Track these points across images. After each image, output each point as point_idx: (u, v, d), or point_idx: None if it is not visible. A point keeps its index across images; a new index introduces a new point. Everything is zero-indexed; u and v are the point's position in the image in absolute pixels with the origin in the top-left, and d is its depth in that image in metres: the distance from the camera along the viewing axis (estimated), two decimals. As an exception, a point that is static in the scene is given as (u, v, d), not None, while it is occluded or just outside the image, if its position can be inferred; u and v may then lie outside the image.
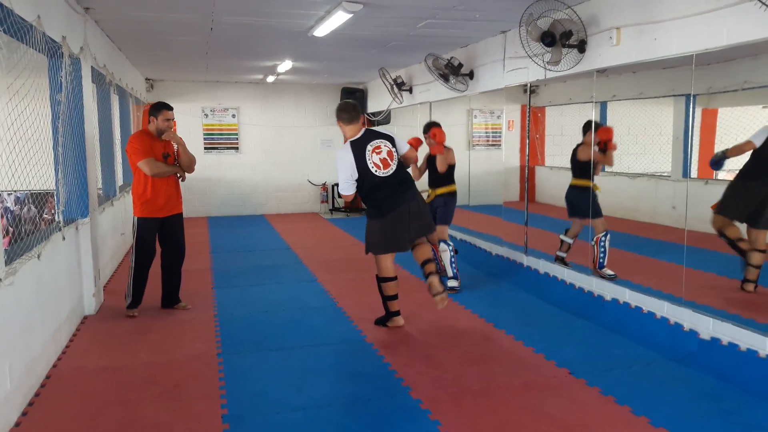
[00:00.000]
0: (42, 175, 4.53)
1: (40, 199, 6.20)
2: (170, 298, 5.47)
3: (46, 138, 4.58)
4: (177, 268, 5.46)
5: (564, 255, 6.21)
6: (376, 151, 4.62)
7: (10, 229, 7.26)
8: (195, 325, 5.04)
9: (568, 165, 6.41)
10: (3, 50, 3.71)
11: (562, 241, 6.28)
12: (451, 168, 6.11)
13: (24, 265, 3.64)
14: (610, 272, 5.71)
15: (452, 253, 5.97)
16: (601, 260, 5.78)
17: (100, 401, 3.61)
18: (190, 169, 5.36)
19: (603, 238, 5.81)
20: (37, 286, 3.95)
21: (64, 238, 4.68)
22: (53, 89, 4.81)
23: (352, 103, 4.86)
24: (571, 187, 6.24)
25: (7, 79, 3.78)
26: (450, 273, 5.98)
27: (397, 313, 4.96)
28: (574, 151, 6.17)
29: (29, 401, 3.57)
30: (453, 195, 6.16)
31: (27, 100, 3.94)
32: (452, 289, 5.82)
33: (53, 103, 4.79)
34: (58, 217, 4.78)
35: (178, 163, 5.28)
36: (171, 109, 5.25)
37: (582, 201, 5.92)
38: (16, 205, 8.16)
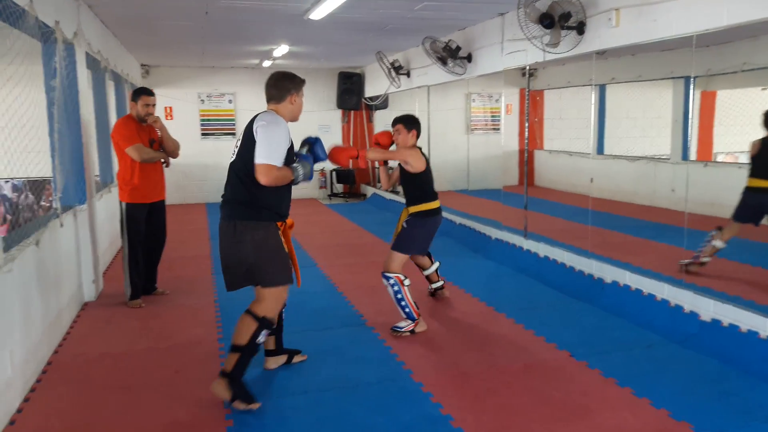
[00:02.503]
0: (39, 162, 4.50)
1: (38, 186, 6.18)
2: (148, 286, 5.41)
3: (41, 125, 4.54)
4: (157, 255, 5.43)
5: (707, 260, 5.21)
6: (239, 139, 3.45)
7: (8, 217, 7.25)
8: (195, 311, 5.03)
9: (567, 149, 6.34)
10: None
11: (711, 245, 5.28)
12: (418, 177, 4.63)
13: (23, 252, 3.62)
14: None
15: (397, 288, 4.47)
16: None
17: (101, 387, 3.61)
18: (175, 154, 5.30)
19: None
20: (37, 272, 3.93)
21: (62, 225, 4.66)
22: (47, 75, 4.76)
23: (274, 76, 3.49)
24: (750, 190, 5.24)
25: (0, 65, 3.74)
26: (402, 313, 4.51)
27: (268, 353, 3.89)
28: (761, 146, 5.14)
29: (31, 387, 3.57)
30: (423, 216, 4.65)
31: (21, 86, 3.90)
32: (397, 329, 4.46)
33: (48, 89, 4.74)
34: (56, 204, 4.75)
35: (162, 148, 5.23)
36: (151, 94, 5.15)
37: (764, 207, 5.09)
38: (13, 192, 8.13)
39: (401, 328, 4.45)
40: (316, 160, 3.62)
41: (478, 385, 3.59)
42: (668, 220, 5.65)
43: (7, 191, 8.13)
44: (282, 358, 3.92)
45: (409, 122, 4.67)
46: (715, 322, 4.15)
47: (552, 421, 3.15)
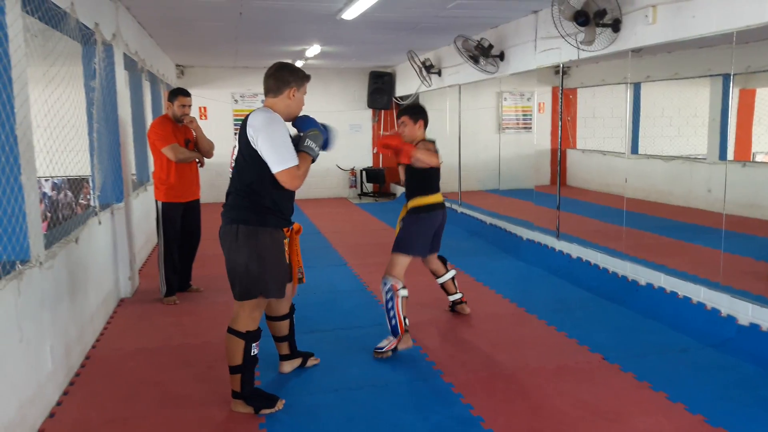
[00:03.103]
0: (78, 161, 4.61)
1: (76, 184, 6.33)
2: (182, 283, 5.52)
3: (81, 124, 4.66)
4: (192, 253, 5.53)
5: None
6: (237, 140, 3.22)
7: (48, 214, 7.45)
8: (227, 309, 5.08)
9: (600, 148, 6.26)
10: (38, 38, 3.78)
11: None
12: (426, 171, 4.25)
13: (62, 249, 3.72)
14: None
15: (390, 296, 4.07)
16: None
17: (137, 382, 3.69)
18: (210, 154, 5.39)
19: None
20: (75, 269, 4.03)
21: (100, 223, 4.77)
22: (87, 76, 4.88)
23: (275, 66, 3.23)
24: None
25: (42, 67, 3.85)
26: (387, 324, 4.13)
27: (283, 357, 3.83)
28: None
29: (70, 381, 3.67)
30: (420, 211, 4.29)
31: (62, 87, 4.01)
32: (379, 350, 4.04)
33: (87, 89, 4.86)
34: (94, 202, 4.87)
35: (198, 148, 5.33)
36: (188, 95, 5.24)
37: None
38: (53, 190, 8.35)
39: (383, 348, 4.04)
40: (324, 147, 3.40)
41: (509, 386, 3.57)
42: (704, 222, 5.53)
43: (47, 189, 8.36)
44: (297, 362, 3.85)
45: (414, 112, 4.32)
46: (754, 327, 4.06)
47: (584, 425, 3.11)
